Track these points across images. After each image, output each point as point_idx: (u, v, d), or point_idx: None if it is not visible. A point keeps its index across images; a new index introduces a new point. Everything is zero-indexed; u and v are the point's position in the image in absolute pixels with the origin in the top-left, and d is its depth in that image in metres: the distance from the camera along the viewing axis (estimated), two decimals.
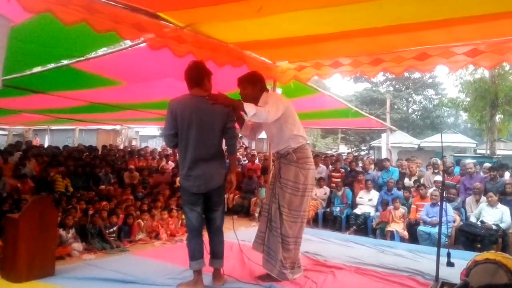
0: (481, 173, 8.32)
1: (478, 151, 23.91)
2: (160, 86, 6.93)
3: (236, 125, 3.96)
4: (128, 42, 5.00)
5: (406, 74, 23.69)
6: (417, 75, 30.58)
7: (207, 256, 3.78)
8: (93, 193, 7.89)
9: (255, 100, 3.91)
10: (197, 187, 3.62)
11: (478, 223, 6.54)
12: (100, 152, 12.67)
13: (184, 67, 3.79)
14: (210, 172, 3.65)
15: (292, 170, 3.99)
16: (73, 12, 3.48)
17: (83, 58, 5.53)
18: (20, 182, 7.77)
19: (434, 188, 7.42)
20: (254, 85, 4.02)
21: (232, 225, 4.17)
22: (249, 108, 3.65)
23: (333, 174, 9.30)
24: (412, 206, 7.43)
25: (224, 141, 3.82)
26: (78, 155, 11.17)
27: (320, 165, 9.65)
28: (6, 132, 22.66)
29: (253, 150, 13.87)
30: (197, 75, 3.71)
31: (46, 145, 16.94)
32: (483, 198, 6.99)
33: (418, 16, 3.99)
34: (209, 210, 3.80)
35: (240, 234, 4.38)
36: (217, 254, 3.82)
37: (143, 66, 5.87)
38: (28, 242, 3.81)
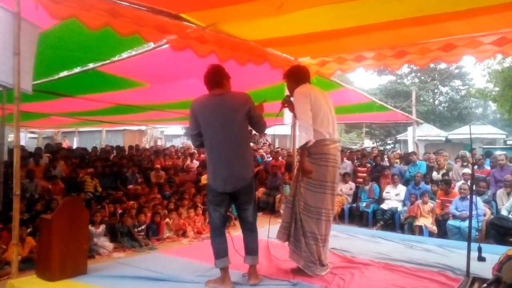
0: None
1: (508, 142, 23.17)
2: (183, 86, 7.00)
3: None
4: (152, 44, 5.06)
5: (431, 65, 23.13)
6: (443, 66, 29.74)
7: (232, 254, 3.79)
8: (121, 193, 8.05)
9: None
10: (223, 187, 3.60)
11: (510, 216, 6.38)
12: (127, 153, 12.88)
13: (206, 67, 3.78)
14: (236, 171, 3.61)
15: None
16: (97, 17, 3.56)
17: (108, 61, 5.65)
18: (51, 183, 8.00)
19: (463, 181, 7.26)
20: (289, 79, 4.21)
21: (268, 224, 4.14)
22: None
23: (359, 169, 9.21)
24: (437, 200, 7.30)
25: (252, 129, 3.87)
26: (106, 156, 11.39)
27: (345, 160, 9.58)
28: (36, 136, 23.25)
29: (277, 147, 13.86)
30: (217, 76, 3.69)
31: (74, 146, 17.31)
32: None
33: (439, 8, 3.91)
34: (240, 209, 3.79)
35: (265, 231, 4.38)
36: (251, 250, 3.78)
37: (166, 67, 5.94)
38: (60, 242, 3.90)
